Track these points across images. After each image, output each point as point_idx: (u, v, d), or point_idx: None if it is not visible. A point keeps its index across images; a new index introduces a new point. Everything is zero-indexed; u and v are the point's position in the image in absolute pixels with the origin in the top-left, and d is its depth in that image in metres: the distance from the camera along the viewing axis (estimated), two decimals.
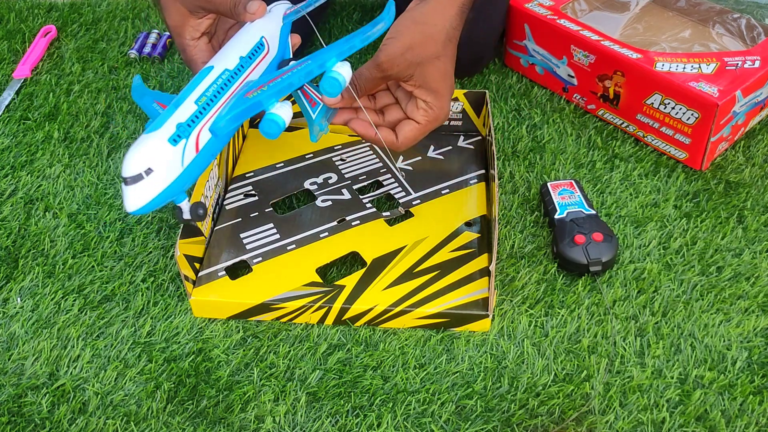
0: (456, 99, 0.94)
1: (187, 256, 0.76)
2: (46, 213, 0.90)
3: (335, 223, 0.85)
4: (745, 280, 0.79)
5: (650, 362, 0.73)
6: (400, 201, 0.87)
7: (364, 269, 0.79)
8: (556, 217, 0.83)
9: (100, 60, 1.12)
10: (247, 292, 0.78)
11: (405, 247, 0.81)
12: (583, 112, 0.99)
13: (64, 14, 1.22)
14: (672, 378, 0.71)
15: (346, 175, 0.90)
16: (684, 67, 0.89)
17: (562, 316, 0.77)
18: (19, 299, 0.81)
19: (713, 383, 0.71)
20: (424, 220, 0.85)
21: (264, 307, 0.77)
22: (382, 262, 0.80)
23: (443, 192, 0.88)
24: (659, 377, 0.72)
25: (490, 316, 0.75)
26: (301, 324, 0.77)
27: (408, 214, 0.86)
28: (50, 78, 1.10)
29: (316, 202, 0.87)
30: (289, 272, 0.79)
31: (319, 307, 0.76)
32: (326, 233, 0.83)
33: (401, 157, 0.93)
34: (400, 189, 0.89)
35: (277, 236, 0.83)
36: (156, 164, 0.62)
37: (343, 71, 0.68)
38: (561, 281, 0.80)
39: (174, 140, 0.63)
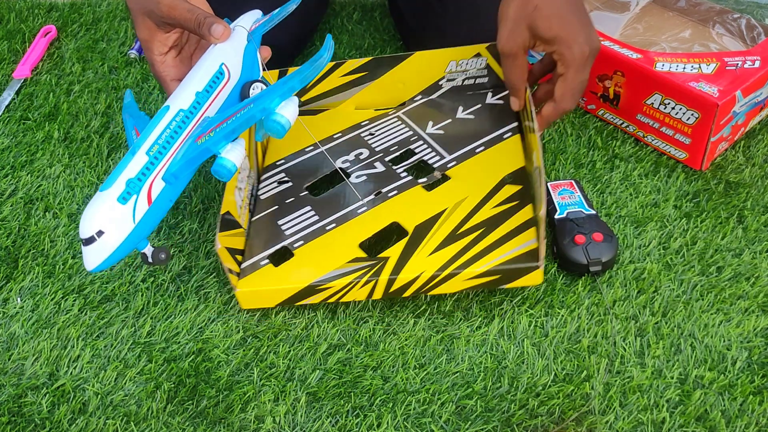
0: (478, 55, 0.93)
1: (228, 249, 0.76)
2: (46, 213, 0.90)
3: (372, 196, 0.84)
4: (745, 280, 0.79)
5: (650, 362, 0.73)
6: (435, 166, 0.86)
7: (407, 238, 0.78)
8: (556, 217, 0.83)
9: (100, 60, 1.12)
10: (293, 277, 0.76)
11: (445, 210, 0.80)
12: (583, 112, 0.99)
13: (64, 14, 1.22)
14: (672, 378, 0.71)
15: (377, 149, 0.90)
16: (684, 67, 0.89)
17: (562, 316, 0.77)
18: (19, 299, 0.81)
19: (713, 383, 0.71)
20: (461, 181, 0.84)
21: (311, 290, 0.75)
22: (424, 228, 0.79)
23: (478, 151, 0.87)
24: (659, 377, 0.72)
25: (541, 267, 0.73)
26: (301, 324, 0.77)
27: (444, 178, 0.84)
28: (50, 78, 1.10)
29: (351, 179, 0.86)
30: (331, 252, 0.78)
31: (366, 282, 0.74)
32: (364, 208, 0.83)
33: (430, 123, 0.92)
34: (433, 154, 0.87)
35: (316, 218, 0.83)
36: (106, 226, 0.64)
37: (287, 112, 0.68)
38: (561, 281, 0.80)
39: (123, 198, 0.64)
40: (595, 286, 0.79)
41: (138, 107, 0.78)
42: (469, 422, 0.69)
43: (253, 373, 0.73)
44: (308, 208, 0.84)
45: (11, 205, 0.91)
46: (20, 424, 0.71)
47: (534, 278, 0.74)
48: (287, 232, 0.82)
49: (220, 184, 0.92)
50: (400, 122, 0.93)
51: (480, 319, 0.77)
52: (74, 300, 0.80)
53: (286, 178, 0.89)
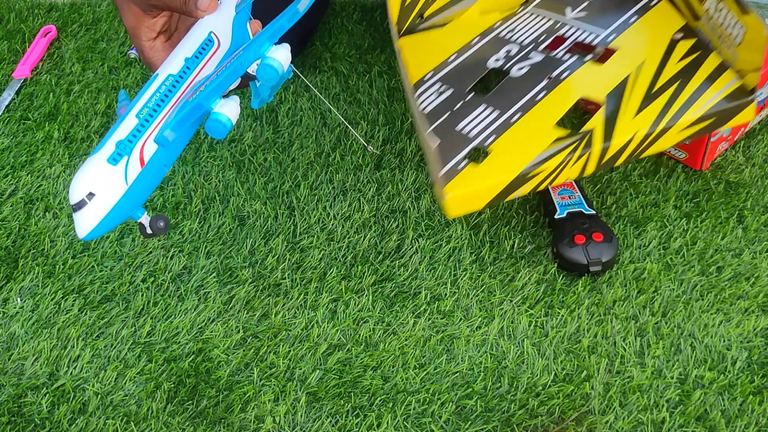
0: None
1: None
2: (46, 213, 0.90)
3: (545, 82, 0.81)
4: (745, 280, 0.79)
5: (650, 362, 0.73)
6: (594, 44, 0.84)
7: (602, 108, 0.75)
8: (556, 217, 0.83)
9: (100, 60, 1.12)
10: (499, 171, 0.72)
11: (629, 75, 0.78)
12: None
13: (64, 14, 1.22)
14: (672, 378, 0.71)
15: (525, 42, 0.87)
16: None
17: (562, 316, 0.77)
18: (19, 299, 0.81)
19: (713, 383, 0.71)
20: (631, 48, 0.81)
21: (522, 179, 0.71)
22: (616, 95, 0.76)
23: (631, 21, 0.85)
24: (659, 377, 0.72)
25: (754, 102, 0.72)
26: (301, 324, 0.77)
27: (609, 52, 0.82)
28: (50, 78, 1.10)
29: (511, 73, 0.83)
30: (529, 139, 0.74)
31: (578, 157, 0.71)
32: (542, 93, 0.79)
33: (568, 8, 0.90)
34: (587, 33, 0.85)
35: (497, 113, 0.79)
36: (96, 187, 0.61)
37: (279, 55, 0.66)
38: (561, 281, 0.80)
39: (114, 159, 0.62)
40: (595, 286, 0.79)
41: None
42: (469, 422, 0.69)
43: (253, 373, 0.73)
44: (483, 106, 0.80)
45: (11, 205, 0.91)
46: (20, 424, 0.71)
47: (747, 114, 0.72)
48: (471, 134, 0.77)
49: (221, 183, 0.92)
50: (535, 15, 0.89)
51: (480, 319, 0.77)
52: (74, 300, 0.80)
53: (444, 87, 0.84)
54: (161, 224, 0.65)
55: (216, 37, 0.71)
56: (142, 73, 1.09)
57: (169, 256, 0.84)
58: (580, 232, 0.80)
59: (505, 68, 0.84)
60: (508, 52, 0.86)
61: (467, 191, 0.71)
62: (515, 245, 0.83)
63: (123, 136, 0.63)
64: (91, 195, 0.61)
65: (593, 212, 0.83)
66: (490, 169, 0.73)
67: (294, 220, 0.87)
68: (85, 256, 0.85)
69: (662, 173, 0.90)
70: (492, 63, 0.85)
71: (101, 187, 0.61)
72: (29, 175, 0.95)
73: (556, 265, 0.81)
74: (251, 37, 0.75)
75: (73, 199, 0.61)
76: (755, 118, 0.93)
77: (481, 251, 0.83)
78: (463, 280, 0.80)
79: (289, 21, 0.67)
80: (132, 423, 0.70)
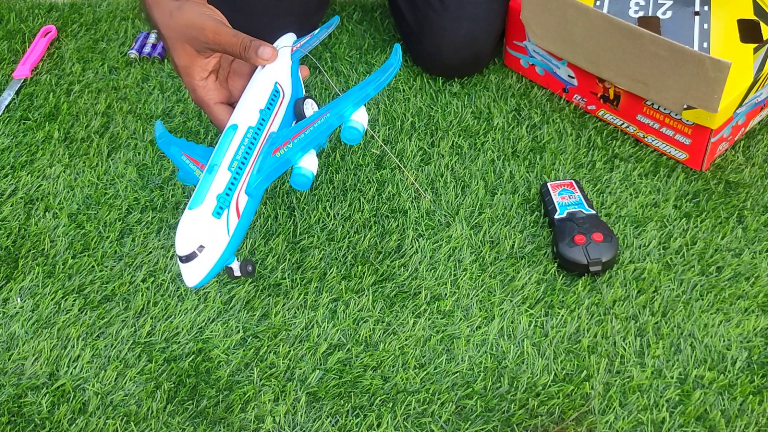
0: None
1: None
2: (46, 213, 0.90)
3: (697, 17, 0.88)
4: (745, 280, 0.79)
5: (650, 362, 0.73)
6: None
7: None
8: (556, 217, 0.83)
9: (100, 60, 1.12)
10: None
11: None
12: (583, 112, 0.99)
13: (64, 14, 1.22)
14: (672, 378, 0.71)
15: None
16: None
17: (562, 316, 0.77)
18: (19, 299, 0.81)
19: (713, 383, 0.71)
20: None
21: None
22: None
23: None
24: (659, 377, 0.72)
25: None
26: (301, 324, 0.77)
27: None
28: (50, 78, 1.10)
29: (660, 18, 0.89)
30: (731, 58, 0.80)
31: None
32: (705, 24, 0.86)
33: None
34: None
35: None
36: (206, 240, 0.65)
37: (361, 118, 0.70)
38: (561, 281, 0.80)
39: (217, 213, 0.65)
40: (595, 286, 0.79)
41: (171, 135, 0.79)
42: (469, 422, 0.69)
43: (253, 373, 0.73)
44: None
45: (11, 205, 0.91)
46: (20, 424, 0.71)
47: None
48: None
49: None
50: None
51: (480, 319, 0.77)
52: (74, 300, 0.80)
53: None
54: (249, 269, 0.69)
55: (281, 87, 0.74)
56: (142, 74, 1.09)
57: (169, 256, 0.84)
58: (580, 232, 0.80)
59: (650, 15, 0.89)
60: (637, 3, 0.90)
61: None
62: (515, 245, 0.83)
63: (221, 189, 0.66)
64: (201, 248, 0.64)
65: (593, 212, 0.83)
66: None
67: (294, 220, 0.87)
68: (85, 256, 0.85)
69: (662, 173, 0.90)
70: (633, 13, 0.90)
71: (209, 240, 0.65)
72: (29, 175, 0.95)
73: (556, 265, 0.81)
74: (302, 82, 0.78)
75: (184, 251, 0.64)
76: (755, 118, 0.94)
77: (481, 251, 0.83)
78: (463, 280, 0.80)
79: (375, 90, 0.70)
80: (132, 423, 0.70)
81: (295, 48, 0.78)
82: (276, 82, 0.73)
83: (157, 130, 0.80)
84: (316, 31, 0.80)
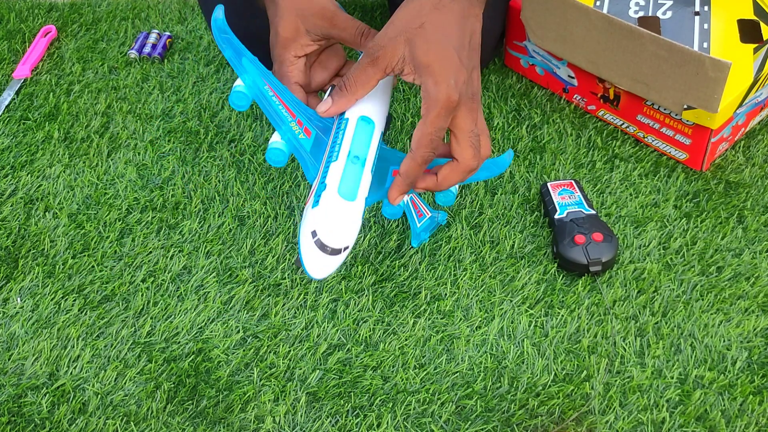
0: None
1: None
2: (46, 213, 0.90)
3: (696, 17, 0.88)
4: (745, 280, 0.79)
5: (650, 362, 0.73)
6: None
7: None
8: (556, 217, 0.83)
9: (100, 60, 1.12)
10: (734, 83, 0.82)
11: None
12: (583, 112, 0.99)
13: (64, 14, 1.22)
14: (672, 378, 0.71)
15: None
16: None
17: (562, 316, 0.77)
18: (19, 299, 0.81)
19: (713, 383, 0.71)
20: None
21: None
22: None
23: None
24: (659, 377, 0.72)
25: None
26: (301, 324, 0.77)
27: None
28: (50, 78, 1.10)
29: (660, 18, 0.89)
30: (731, 58, 0.81)
31: None
32: (705, 24, 0.87)
33: None
34: None
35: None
36: (353, 242, 0.64)
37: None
38: (561, 281, 0.80)
39: (316, 202, 0.64)
40: (595, 286, 0.79)
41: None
42: (469, 422, 0.69)
43: (253, 373, 0.73)
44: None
45: (11, 205, 0.91)
46: (20, 424, 0.71)
47: None
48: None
49: (220, 183, 0.92)
50: None
51: (480, 319, 0.77)
52: (74, 300, 0.80)
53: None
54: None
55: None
56: (142, 74, 1.09)
57: (169, 256, 0.84)
58: (580, 232, 0.80)
59: (650, 15, 0.89)
60: (637, 3, 0.90)
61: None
62: (515, 245, 0.83)
63: (366, 191, 0.66)
64: (347, 247, 0.64)
65: (593, 212, 0.83)
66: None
67: (294, 220, 0.87)
68: (85, 256, 0.85)
69: (662, 173, 0.90)
70: (633, 14, 0.89)
71: (354, 242, 0.65)
72: (29, 175, 0.95)
73: (556, 265, 0.81)
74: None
75: (336, 244, 0.63)
76: (756, 118, 0.94)
77: (481, 251, 0.83)
78: (463, 280, 0.80)
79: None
80: (132, 423, 0.70)
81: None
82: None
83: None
84: None
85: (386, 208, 0.73)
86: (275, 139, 0.69)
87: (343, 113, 0.70)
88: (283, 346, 0.75)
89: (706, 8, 0.91)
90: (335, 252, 0.63)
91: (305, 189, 0.90)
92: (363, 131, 0.68)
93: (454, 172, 0.69)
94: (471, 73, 0.66)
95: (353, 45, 0.72)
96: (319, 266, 0.63)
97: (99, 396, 0.72)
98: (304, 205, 0.68)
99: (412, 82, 0.67)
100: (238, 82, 0.69)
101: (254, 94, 0.68)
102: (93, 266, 0.84)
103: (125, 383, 0.73)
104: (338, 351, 0.75)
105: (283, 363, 0.74)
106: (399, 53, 0.65)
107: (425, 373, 0.73)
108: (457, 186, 0.72)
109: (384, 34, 0.66)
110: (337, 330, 0.76)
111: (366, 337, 0.76)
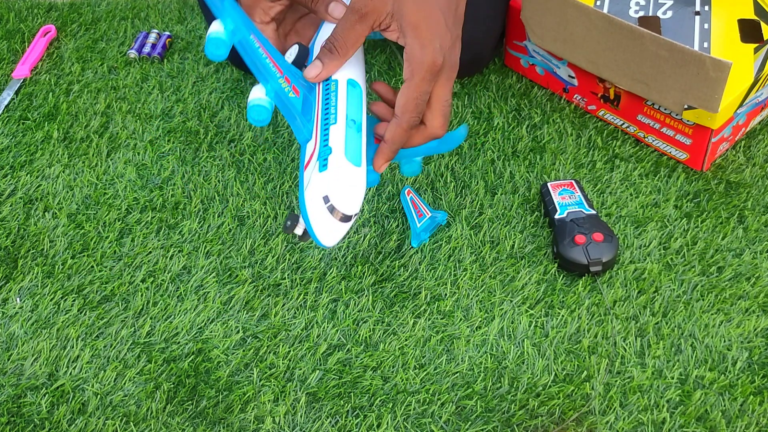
0: None
1: None
2: (46, 213, 0.90)
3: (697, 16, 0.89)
4: (746, 280, 0.79)
5: (650, 362, 0.73)
6: None
7: None
8: (556, 217, 0.83)
9: (99, 60, 1.12)
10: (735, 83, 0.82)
11: None
12: (583, 112, 0.99)
13: (64, 14, 1.22)
14: (672, 378, 0.71)
15: None
16: None
17: (563, 316, 0.77)
18: (18, 299, 0.81)
19: (714, 384, 0.71)
20: None
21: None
22: None
23: None
24: (660, 377, 0.71)
25: None
26: (301, 324, 0.77)
27: None
28: (50, 78, 1.10)
29: (661, 17, 0.89)
30: (732, 58, 0.81)
31: None
32: (705, 24, 0.88)
33: None
34: None
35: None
36: (360, 210, 0.64)
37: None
38: (561, 281, 0.80)
39: (323, 166, 0.62)
40: (595, 286, 0.79)
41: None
42: (469, 422, 0.69)
43: (253, 374, 0.73)
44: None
45: (11, 205, 0.91)
46: (20, 425, 0.71)
47: None
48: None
49: (220, 183, 0.91)
50: None
51: (480, 319, 0.77)
52: (73, 300, 0.80)
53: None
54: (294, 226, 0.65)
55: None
56: (142, 73, 1.09)
57: (169, 256, 0.84)
58: (581, 232, 0.80)
59: (651, 15, 0.89)
60: (638, 3, 0.91)
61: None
62: (515, 245, 0.83)
63: (365, 155, 0.64)
64: (356, 215, 0.62)
65: (593, 212, 0.83)
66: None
67: None
68: (84, 256, 0.85)
69: (663, 173, 0.90)
70: (634, 13, 0.90)
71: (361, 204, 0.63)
72: (28, 175, 0.95)
73: (556, 265, 0.81)
74: None
75: (350, 210, 0.61)
76: (756, 117, 0.93)
77: (481, 251, 0.83)
78: (463, 280, 0.80)
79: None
80: (131, 423, 0.70)
81: None
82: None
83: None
84: None
85: (405, 167, 0.71)
86: (256, 95, 0.63)
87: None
88: (282, 346, 0.75)
89: (706, 8, 0.91)
90: (346, 219, 0.60)
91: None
92: (354, 95, 0.65)
93: (420, 134, 0.68)
94: (455, 42, 0.65)
95: (308, 8, 0.68)
96: (330, 233, 0.60)
97: (98, 396, 0.72)
98: (304, 167, 0.63)
99: (394, 41, 0.65)
100: (215, 27, 0.61)
101: (237, 40, 0.62)
102: (92, 266, 0.84)
103: (125, 383, 0.73)
104: (338, 351, 0.75)
105: (282, 363, 0.74)
106: (387, 8, 0.63)
107: (425, 373, 0.73)
108: (422, 158, 0.71)
109: None
110: (337, 330, 0.76)
111: (366, 337, 0.76)
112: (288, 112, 0.65)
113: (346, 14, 0.65)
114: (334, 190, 0.60)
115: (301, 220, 0.64)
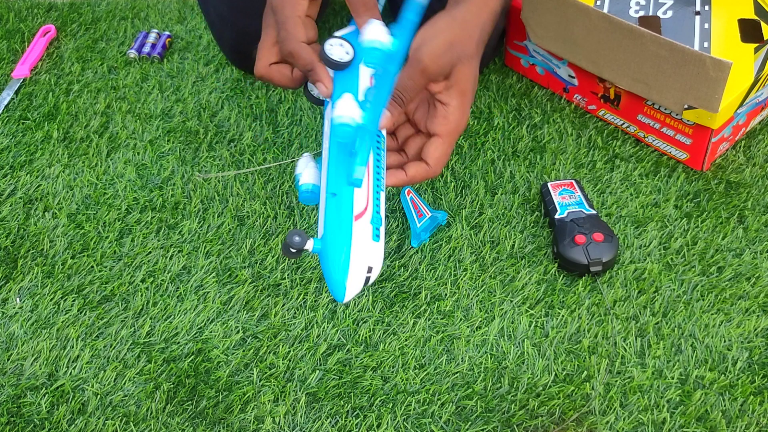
0: None
1: None
2: (46, 213, 0.90)
3: (698, 16, 0.90)
4: (746, 280, 0.79)
5: (651, 363, 0.73)
6: None
7: None
8: (556, 217, 0.83)
9: (99, 60, 1.12)
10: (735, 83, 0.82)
11: None
12: (583, 111, 0.99)
13: (64, 14, 1.22)
14: (672, 378, 0.71)
15: None
16: None
17: (563, 316, 0.77)
18: (18, 299, 0.81)
19: (714, 384, 0.71)
20: None
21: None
22: None
23: None
24: (660, 378, 0.71)
25: None
26: (301, 324, 0.77)
27: None
28: (49, 78, 1.10)
29: (661, 17, 0.90)
30: (732, 57, 0.81)
31: None
32: (706, 24, 0.89)
33: None
34: None
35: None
36: (376, 264, 0.66)
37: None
38: (561, 281, 0.80)
39: (376, 236, 0.66)
40: (595, 286, 0.79)
41: None
42: (469, 423, 0.69)
43: (253, 374, 0.73)
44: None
45: (10, 205, 0.91)
46: (19, 425, 0.71)
47: None
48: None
49: (220, 183, 0.91)
50: None
51: (480, 319, 0.77)
52: (73, 300, 0.80)
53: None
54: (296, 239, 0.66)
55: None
56: (142, 73, 1.09)
57: (169, 256, 0.84)
58: (581, 232, 0.80)
59: (651, 15, 0.89)
60: (638, 2, 0.91)
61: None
62: (515, 245, 0.83)
63: (371, 214, 0.66)
64: (370, 269, 0.65)
65: (594, 212, 0.83)
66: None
67: (294, 219, 0.87)
68: (84, 256, 0.85)
69: (663, 173, 0.90)
70: (633, 12, 0.90)
71: (378, 262, 0.66)
72: (28, 175, 0.95)
73: (556, 265, 0.81)
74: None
75: (373, 280, 0.66)
76: (756, 117, 0.93)
77: (482, 251, 0.83)
78: (463, 280, 0.80)
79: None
80: (131, 423, 0.70)
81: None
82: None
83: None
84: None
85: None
86: (307, 180, 0.69)
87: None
88: (282, 346, 0.75)
89: (706, 8, 0.91)
90: (366, 283, 0.66)
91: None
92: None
93: (426, 174, 0.71)
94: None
95: (302, 72, 0.70)
96: (354, 295, 0.66)
97: (98, 396, 0.72)
98: (354, 220, 0.65)
99: (432, 92, 0.69)
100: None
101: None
102: (92, 266, 0.84)
103: (125, 383, 0.73)
104: (338, 351, 0.75)
105: (282, 363, 0.74)
106: (445, 70, 0.67)
107: (425, 373, 0.73)
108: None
109: (444, 52, 0.67)
110: (336, 330, 0.76)
111: (366, 337, 0.76)
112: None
113: (409, 64, 0.67)
114: (377, 263, 0.65)
115: (308, 244, 0.64)
